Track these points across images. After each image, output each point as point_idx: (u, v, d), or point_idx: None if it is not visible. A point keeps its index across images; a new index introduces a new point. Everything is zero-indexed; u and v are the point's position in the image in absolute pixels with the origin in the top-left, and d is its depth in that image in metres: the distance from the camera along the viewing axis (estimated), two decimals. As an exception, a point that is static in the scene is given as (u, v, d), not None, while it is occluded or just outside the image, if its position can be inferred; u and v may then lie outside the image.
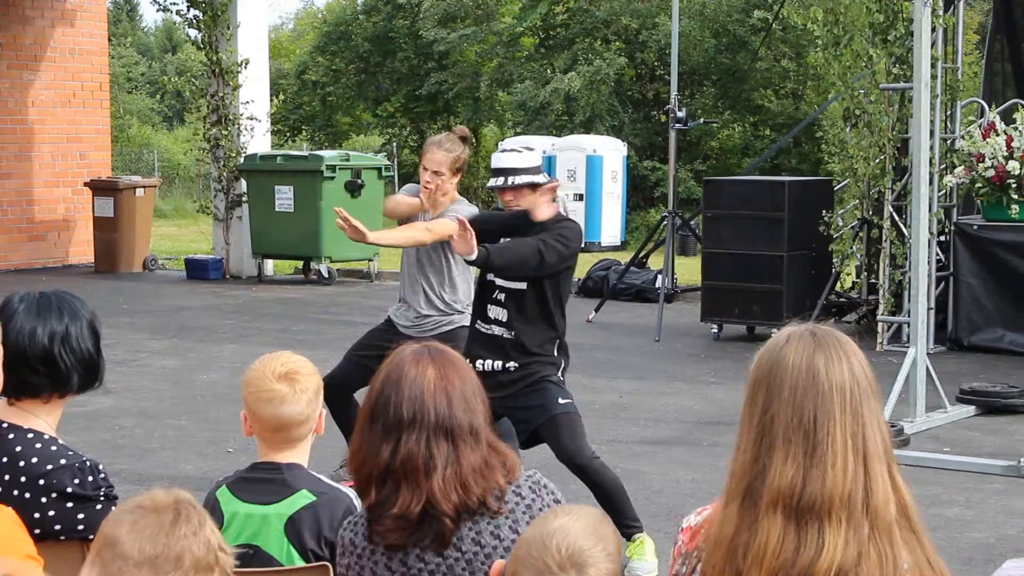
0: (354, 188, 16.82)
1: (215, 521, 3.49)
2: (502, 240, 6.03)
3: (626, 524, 6.09)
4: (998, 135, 11.87)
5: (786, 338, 2.58)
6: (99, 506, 3.42)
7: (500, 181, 6.10)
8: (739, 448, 2.57)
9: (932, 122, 11.54)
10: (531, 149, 6.32)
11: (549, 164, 22.34)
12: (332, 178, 16.63)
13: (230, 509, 3.54)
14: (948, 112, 12.52)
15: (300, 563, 3.47)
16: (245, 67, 17.57)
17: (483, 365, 6.09)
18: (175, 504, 2.57)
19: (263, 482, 3.55)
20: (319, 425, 3.64)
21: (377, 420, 3.10)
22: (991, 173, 11.80)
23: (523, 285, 6.12)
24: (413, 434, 3.06)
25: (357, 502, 3.55)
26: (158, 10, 18.46)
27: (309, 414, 3.56)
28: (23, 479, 3.38)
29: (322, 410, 3.63)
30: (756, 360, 2.60)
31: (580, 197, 21.47)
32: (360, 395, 5.37)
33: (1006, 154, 11.76)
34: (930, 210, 11.30)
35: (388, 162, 18.62)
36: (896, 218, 12.18)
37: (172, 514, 2.55)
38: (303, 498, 3.51)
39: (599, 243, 21.25)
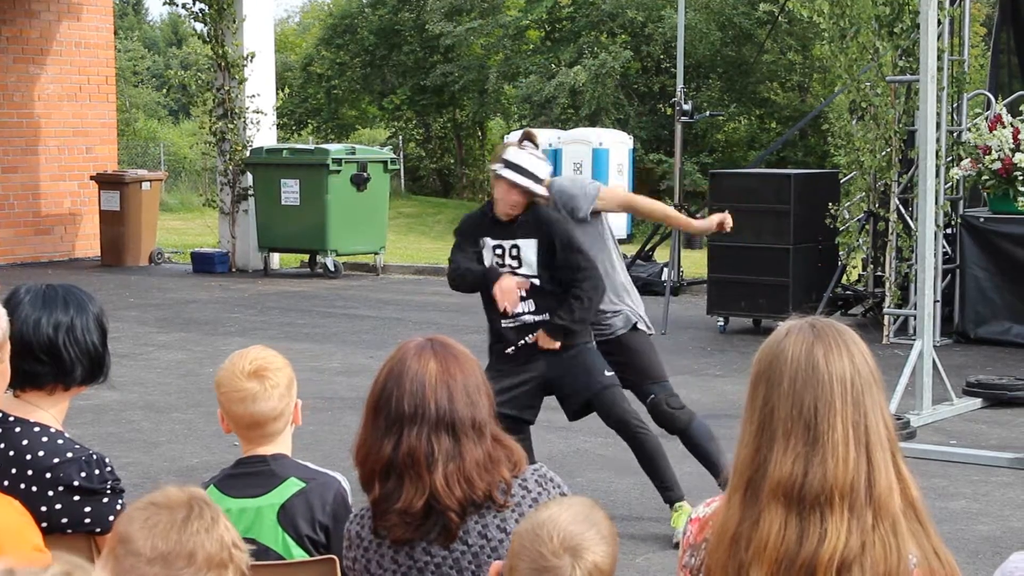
0: (360, 181, 16.83)
1: None
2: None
3: (665, 487, 6.51)
4: (1004, 127, 11.85)
5: (785, 331, 2.59)
6: (106, 499, 3.43)
7: (513, 177, 6.23)
8: (741, 441, 2.58)
9: (938, 115, 11.53)
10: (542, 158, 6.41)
11: (555, 157, 22.33)
12: (338, 171, 16.64)
13: (221, 507, 3.54)
14: (954, 104, 12.51)
15: (296, 550, 3.49)
16: (251, 61, 17.58)
17: (522, 344, 6.44)
18: (188, 501, 2.57)
19: (251, 476, 3.57)
20: (296, 416, 3.64)
21: (380, 414, 3.10)
22: (997, 165, 11.78)
23: (536, 280, 6.41)
24: (414, 428, 3.06)
25: (346, 485, 3.57)
26: (164, 3, 18.47)
27: (283, 408, 3.57)
28: (30, 472, 3.38)
29: (298, 401, 3.63)
30: (757, 355, 2.61)
31: (586, 190, 21.42)
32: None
33: (1012, 146, 11.74)
34: (936, 203, 11.30)
35: (394, 155, 18.62)
36: (902, 211, 12.17)
37: (184, 511, 2.56)
38: (292, 486, 3.53)
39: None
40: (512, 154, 6.29)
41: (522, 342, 6.44)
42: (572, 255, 6.33)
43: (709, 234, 7.18)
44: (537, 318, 6.41)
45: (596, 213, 6.75)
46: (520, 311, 6.42)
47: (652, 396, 6.68)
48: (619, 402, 6.48)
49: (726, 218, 6.90)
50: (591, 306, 6.38)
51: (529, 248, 6.37)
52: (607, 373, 6.49)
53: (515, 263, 6.40)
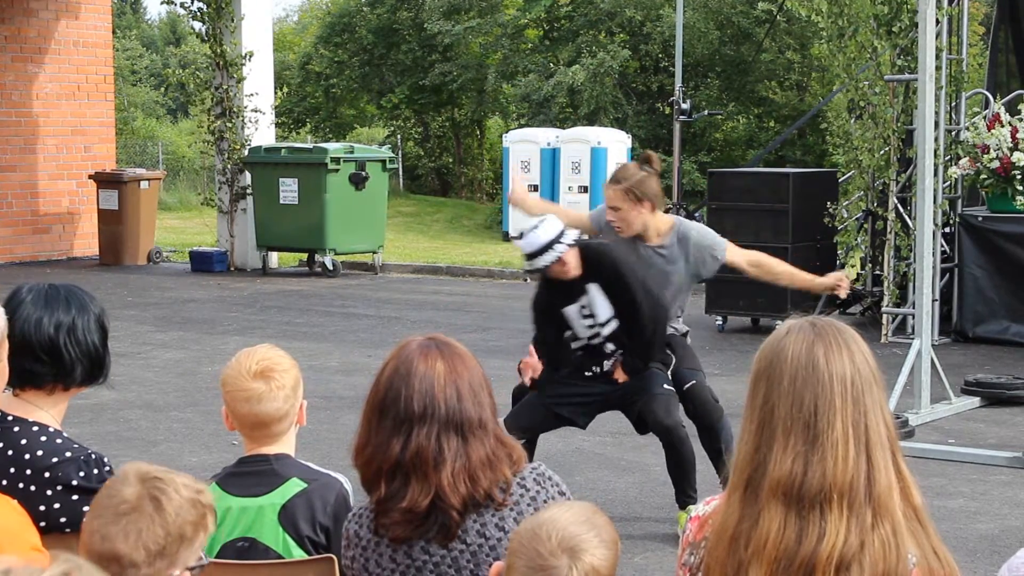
0: (358, 180, 16.83)
1: None
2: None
3: (686, 493, 6.51)
4: (1003, 126, 11.85)
5: (786, 330, 2.60)
6: (104, 499, 3.43)
7: (555, 253, 6.14)
8: (741, 440, 2.58)
9: (936, 113, 11.53)
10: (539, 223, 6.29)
11: (553, 156, 22.32)
12: (336, 170, 16.63)
13: (222, 505, 3.54)
14: (953, 103, 12.51)
15: (297, 551, 3.49)
16: (249, 59, 17.57)
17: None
18: (143, 491, 2.57)
19: (253, 475, 3.56)
20: (300, 417, 3.63)
21: (387, 415, 3.09)
22: (996, 164, 11.79)
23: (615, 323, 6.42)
24: (423, 428, 3.06)
25: (348, 485, 3.56)
26: (162, 2, 18.46)
27: (288, 410, 3.56)
28: (28, 472, 3.38)
29: (303, 402, 3.63)
30: (757, 354, 2.61)
31: (584, 189, 21.45)
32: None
33: (1011, 145, 11.75)
34: (935, 202, 11.30)
35: (392, 154, 18.62)
36: (900, 210, 12.17)
37: (150, 504, 2.55)
38: (294, 486, 3.53)
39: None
40: (528, 244, 6.18)
41: (598, 369, 6.48)
42: (623, 287, 6.32)
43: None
44: (618, 350, 6.47)
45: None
46: (605, 352, 6.47)
47: (693, 382, 6.68)
48: (668, 408, 6.45)
49: (843, 280, 7.01)
50: (657, 337, 6.42)
51: (596, 294, 6.34)
52: (666, 386, 6.50)
53: (591, 317, 6.40)
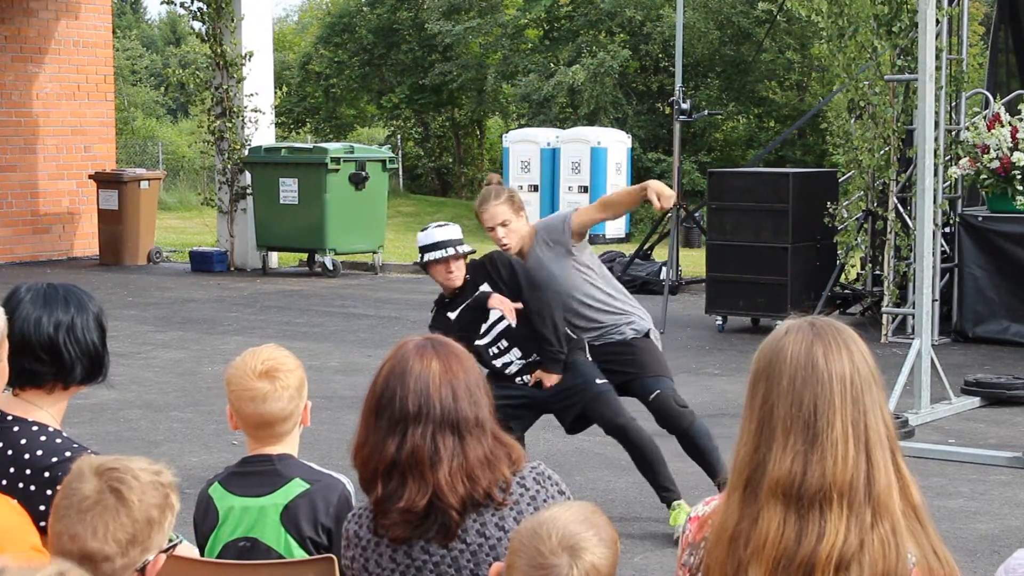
0: (358, 180, 16.82)
1: (211, 518, 3.52)
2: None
3: (663, 488, 6.51)
4: (1003, 126, 11.84)
5: (785, 330, 2.60)
6: (104, 498, 3.42)
7: (445, 252, 6.40)
8: (740, 440, 2.58)
9: (936, 113, 11.53)
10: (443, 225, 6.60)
11: (553, 157, 22.34)
12: (336, 170, 16.63)
13: (225, 504, 3.54)
14: (953, 103, 12.51)
15: (298, 552, 3.49)
16: (249, 59, 17.57)
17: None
18: (105, 484, 2.56)
19: (256, 475, 3.56)
20: (304, 417, 3.63)
21: (383, 414, 3.10)
22: (996, 164, 11.78)
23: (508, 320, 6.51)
24: (419, 428, 3.06)
25: (350, 487, 3.56)
26: (162, 2, 18.46)
27: (292, 410, 3.56)
28: (28, 471, 3.38)
29: (308, 403, 3.63)
30: (757, 353, 2.61)
31: (584, 189, 21.46)
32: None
33: (1011, 145, 11.74)
34: (934, 201, 11.30)
35: (392, 154, 18.62)
36: (900, 210, 12.17)
37: (112, 496, 2.54)
38: (297, 487, 3.53)
39: (603, 235, 21.26)
40: (424, 237, 6.47)
41: (520, 380, 6.54)
42: (514, 284, 6.44)
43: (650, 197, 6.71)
44: (528, 359, 6.52)
45: (582, 239, 6.77)
46: (509, 361, 6.53)
47: (657, 392, 6.58)
48: (615, 407, 6.45)
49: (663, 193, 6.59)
50: (556, 321, 6.44)
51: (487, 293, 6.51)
52: (599, 381, 6.49)
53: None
